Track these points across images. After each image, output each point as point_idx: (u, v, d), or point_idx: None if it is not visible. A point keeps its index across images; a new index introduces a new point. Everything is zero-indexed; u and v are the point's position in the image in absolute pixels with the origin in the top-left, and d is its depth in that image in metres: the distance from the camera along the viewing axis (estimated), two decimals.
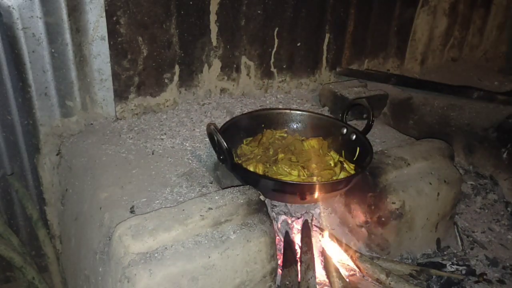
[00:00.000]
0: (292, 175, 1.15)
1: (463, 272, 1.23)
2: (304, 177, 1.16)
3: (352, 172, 1.20)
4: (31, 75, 1.25)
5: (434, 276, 1.19)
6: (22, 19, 1.18)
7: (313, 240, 1.20)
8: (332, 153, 1.27)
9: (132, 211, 1.01)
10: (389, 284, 1.13)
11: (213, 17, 1.46)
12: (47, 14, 1.20)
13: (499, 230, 1.45)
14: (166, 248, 0.90)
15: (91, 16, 1.25)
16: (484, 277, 1.22)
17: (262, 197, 1.03)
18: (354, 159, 1.25)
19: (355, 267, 1.19)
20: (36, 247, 1.47)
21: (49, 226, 1.48)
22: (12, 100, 1.27)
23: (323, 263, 1.18)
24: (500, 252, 1.35)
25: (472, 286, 1.19)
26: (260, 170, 1.15)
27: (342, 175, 1.18)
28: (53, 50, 1.25)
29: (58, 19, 1.22)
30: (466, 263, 1.27)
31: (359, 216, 1.26)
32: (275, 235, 1.02)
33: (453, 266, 1.25)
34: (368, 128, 1.28)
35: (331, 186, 1.12)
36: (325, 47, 1.76)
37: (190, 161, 1.23)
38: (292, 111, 1.38)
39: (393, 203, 1.19)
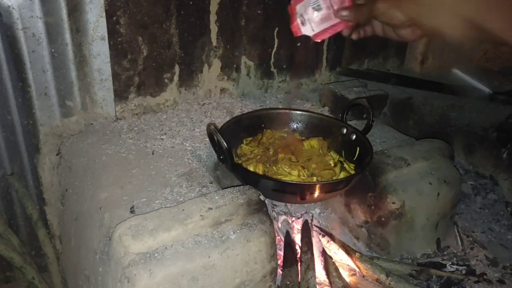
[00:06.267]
0: (292, 175, 1.15)
1: (463, 272, 1.23)
2: (304, 177, 1.16)
3: (352, 172, 1.20)
4: (31, 75, 1.25)
5: (434, 276, 1.19)
6: (22, 19, 1.17)
7: (313, 240, 1.20)
8: (332, 153, 1.27)
9: (132, 211, 1.01)
10: (389, 284, 1.13)
11: (213, 17, 1.46)
12: (47, 14, 1.20)
13: (499, 230, 1.45)
14: (166, 248, 0.90)
15: (91, 16, 1.25)
16: (484, 277, 1.22)
17: (262, 197, 1.03)
18: (354, 159, 1.25)
19: (355, 267, 1.19)
20: (36, 247, 1.47)
21: (49, 226, 1.48)
22: (12, 100, 1.26)
23: (323, 263, 1.18)
24: (500, 252, 1.35)
25: (472, 286, 1.19)
26: (260, 170, 1.15)
27: (342, 175, 1.18)
28: (53, 50, 1.25)
29: (58, 19, 1.22)
30: (466, 263, 1.27)
31: (359, 216, 1.26)
32: (275, 235, 1.02)
33: (453, 266, 1.24)
34: (368, 128, 1.28)
35: (331, 186, 1.12)
36: (325, 47, 1.76)
37: (190, 161, 1.23)
38: (292, 111, 1.38)
39: (393, 203, 1.19)
